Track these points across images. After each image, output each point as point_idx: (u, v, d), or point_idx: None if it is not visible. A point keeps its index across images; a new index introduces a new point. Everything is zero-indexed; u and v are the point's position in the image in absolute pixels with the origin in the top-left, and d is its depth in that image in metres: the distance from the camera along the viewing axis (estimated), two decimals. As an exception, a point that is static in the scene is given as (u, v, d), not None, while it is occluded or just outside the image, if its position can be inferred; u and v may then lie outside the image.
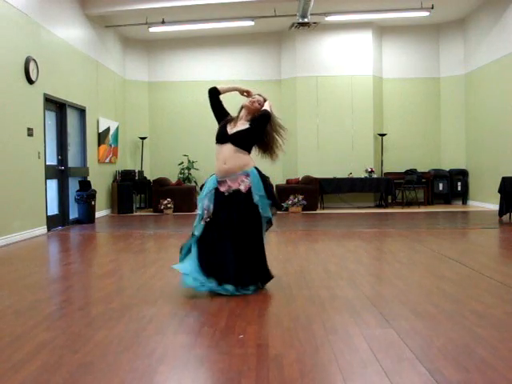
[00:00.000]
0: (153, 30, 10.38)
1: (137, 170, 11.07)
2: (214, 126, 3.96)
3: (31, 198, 7.08)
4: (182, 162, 11.44)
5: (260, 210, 3.69)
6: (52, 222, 7.77)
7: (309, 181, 10.63)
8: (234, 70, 11.62)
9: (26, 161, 6.97)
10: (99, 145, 9.87)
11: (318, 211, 10.47)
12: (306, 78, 11.51)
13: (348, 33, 11.39)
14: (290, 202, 10.25)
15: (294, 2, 8.98)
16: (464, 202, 11.55)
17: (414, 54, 11.77)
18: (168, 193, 10.50)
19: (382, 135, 11.45)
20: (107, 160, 10.30)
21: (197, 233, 3.67)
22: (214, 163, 3.83)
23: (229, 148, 3.75)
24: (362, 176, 11.08)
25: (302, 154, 11.49)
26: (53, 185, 8.04)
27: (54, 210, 8.05)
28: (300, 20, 9.46)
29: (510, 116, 9.42)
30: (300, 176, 11.12)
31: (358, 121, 11.46)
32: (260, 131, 3.84)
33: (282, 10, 9.71)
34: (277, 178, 11.45)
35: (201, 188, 3.93)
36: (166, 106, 12.02)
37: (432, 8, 9.70)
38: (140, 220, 9.50)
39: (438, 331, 2.77)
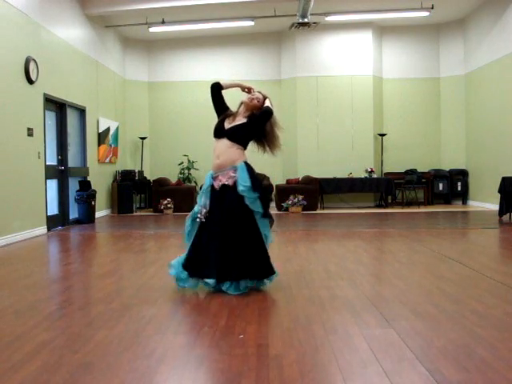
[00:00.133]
0: (153, 30, 10.38)
1: (137, 170, 11.07)
2: (214, 125, 3.98)
3: (31, 198, 7.08)
4: (182, 162, 11.45)
5: (246, 202, 3.64)
6: (52, 222, 7.77)
7: (309, 181, 10.63)
8: (233, 70, 11.62)
9: (26, 161, 6.97)
10: (99, 145, 9.87)
11: (318, 211, 10.47)
12: (306, 78, 11.51)
13: (348, 33, 11.39)
14: (289, 202, 10.25)
15: (294, 1, 8.98)
16: (464, 202, 11.55)
17: (414, 53, 11.78)
18: (168, 193, 10.50)
19: (382, 135, 11.45)
20: (107, 160, 10.30)
21: (186, 230, 3.82)
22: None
23: (224, 143, 3.79)
24: (362, 176, 11.09)
25: (302, 154, 11.49)
26: (53, 185, 8.04)
27: (53, 210, 8.05)
28: (300, 20, 9.46)
29: (510, 116, 9.41)
30: (300, 176, 11.12)
31: (357, 121, 11.46)
32: (259, 127, 3.87)
33: (282, 9, 9.72)
34: (277, 178, 11.47)
35: (200, 188, 3.99)
36: (166, 106, 12.02)
37: (432, 8, 9.70)
38: (140, 220, 9.50)
39: (438, 331, 2.76)
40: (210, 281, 3.64)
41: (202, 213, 3.71)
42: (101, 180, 9.90)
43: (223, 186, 3.74)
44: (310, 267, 4.64)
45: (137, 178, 10.90)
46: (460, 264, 4.66)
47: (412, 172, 11.43)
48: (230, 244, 3.62)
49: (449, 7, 10.54)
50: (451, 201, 11.70)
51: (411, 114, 11.78)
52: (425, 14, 9.97)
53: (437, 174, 11.58)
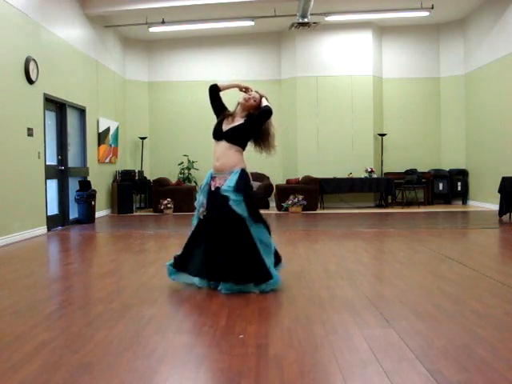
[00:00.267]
0: (153, 29, 10.38)
1: (137, 170, 11.07)
2: (213, 126, 3.99)
3: (31, 198, 7.08)
4: (182, 162, 11.45)
5: (230, 203, 3.62)
6: (52, 222, 7.77)
7: (309, 181, 10.63)
8: (233, 70, 11.62)
9: (26, 161, 6.96)
10: (99, 145, 9.87)
11: (318, 211, 10.47)
12: (306, 78, 11.51)
13: (348, 33, 11.39)
14: (289, 202, 10.25)
15: (294, 1, 8.98)
16: (464, 202, 11.55)
17: (414, 53, 11.78)
18: (168, 193, 10.50)
19: (382, 135, 11.45)
20: (107, 160, 10.30)
21: (193, 223, 3.90)
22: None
23: (223, 145, 3.82)
24: (362, 176, 11.08)
25: (302, 154, 11.49)
26: (53, 185, 8.04)
27: (54, 210, 8.05)
28: (300, 20, 9.46)
29: (510, 116, 9.41)
30: (300, 176, 11.12)
31: (357, 121, 11.46)
32: (258, 126, 3.88)
33: (281, 10, 9.71)
34: (277, 178, 11.47)
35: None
36: (166, 106, 12.02)
37: (432, 8, 9.70)
38: (140, 220, 9.50)
39: (438, 331, 2.76)
40: (195, 279, 3.75)
41: (200, 211, 3.81)
42: (101, 180, 9.90)
43: (217, 188, 3.77)
44: (310, 267, 4.64)
45: (137, 178, 10.91)
46: (460, 264, 4.66)
47: (412, 172, 11.43)
48: (217, 245, 3.65)
49: (449, 7, 10.54)
50: (451, 201, 11.70)
51: (411, 114, 11.78)
52: (425, 13, 9.97)
53: (437, 174, 11.58)
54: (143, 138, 11.62)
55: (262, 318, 3.11)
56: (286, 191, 10.47)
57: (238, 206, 3.62)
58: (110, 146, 10.44)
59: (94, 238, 7.33)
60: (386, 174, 11.59)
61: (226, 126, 3.86)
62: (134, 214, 10.49)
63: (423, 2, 9.58)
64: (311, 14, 9.37)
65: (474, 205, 11.05)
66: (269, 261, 3.68)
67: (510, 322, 2.94)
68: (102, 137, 9.94)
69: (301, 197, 10.26)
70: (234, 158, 3.78)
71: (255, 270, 3.62)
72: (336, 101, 11.48)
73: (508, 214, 8.32)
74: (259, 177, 10.94)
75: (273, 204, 11.15)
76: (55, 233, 7.55)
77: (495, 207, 9.16)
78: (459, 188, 11.48)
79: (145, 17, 9.83)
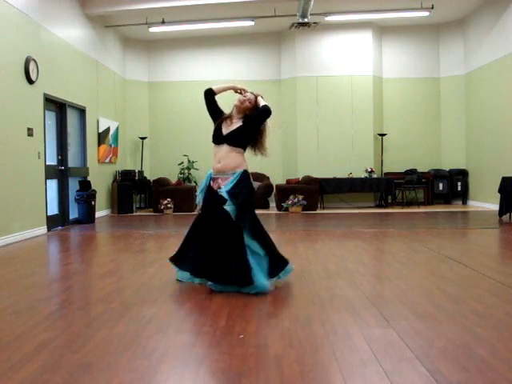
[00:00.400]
0: (153, 29, 10.38)
1: (137, 170, 11.07)
2: (213, 126, 4.00)
3: (31, 198, 7.08)
4: (182, 162, 11.45)
5: (225, 207, 3.64)
6: (52, 222, 7.77)
7: (309, 181, 10.63)
8: (233, 70, 11.62)
9: (26, 161, 6.96)
10: (99, 145, 9.87)
11: (318, 211, 10.46)
12: (306, 78, 11.51)
13: (348, 33, 11.40)
14: (289, 202, 10.25)
15: (294, 2, 8.98)
16: (464, 202, 11.55)
17: (414, 54, 11.78)
18: (168, 193, 10.50)
19: (382, 135, 11.45)
20: (107, 160, 10.30)
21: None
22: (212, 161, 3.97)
23: (224, 149, 3.86)
24: (362, 176, 11.08)
25: (302, 154, 11.49)
26: (53, 185, 8.04)
27: (53, 210, 8.05)
28: (300, 20, 9.46)
29: (510, 116, 9.42)
30: (300, 176, 11.12)
31: (357, 121, 11.46)
32: (258, 126, 3.90)
33: (281, 9, 9.72)
34: (277, 178, 11.48)
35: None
36: (166, 106, 12.02)
37: (432, 8, 9.71)
38: (140, 220, 9.49)
39: (438, 331, 2.76)
40: (185, 274, 3.92)
41: (198, 208, 3.99)
42: (101, 180, 9.90)
43: (219, 188, 3.80)
44: (309, 267, 4.64)
45: (137, 177, 10.91)
46: (460, 264, 4.66)
47: (412, 172, 11.43)
48: (207, 245, 3.71)
49: (449, 7, 10.54)
50: (451, 201, 11.70)
51: (411, 114, 11.78)
52: (425, 13, 9.97)
53: (437, 174, 11.58)
54: (143, 138, 11.62)
55: (262, 318, 3.11)
56: (285, 191, 10.47)
57: (232, 209, 3.67)
58: (110, 145, 10.44)
59: (94, 238, 7.33)
60: (386, 174, 11.59)
61: (225, 130, 3.88)
62: (134, 214, 10.49)
63: (423, 2, 9.58)
64: (311, 14, 9.37)
65: (474, 205, 11.05)
66: (257, 267, 3.63)
67: (510, 322, 2.94)
68: (101, 137, 9.94)
69: (301, 197, 10.26)
70: (236, 160, 3.82)
71: (239, 273, 3.59)
72: (336, 101, 11.48)
73: (508, 214, 8.32)
74: (259, 177, 10.95)
75: (273, 204, 11.15)
76: (55, 233, 7.55)
77: (495, 207, 9.16)
78: (459, 188, 11.48)
79: (145, 17, 9.83)
